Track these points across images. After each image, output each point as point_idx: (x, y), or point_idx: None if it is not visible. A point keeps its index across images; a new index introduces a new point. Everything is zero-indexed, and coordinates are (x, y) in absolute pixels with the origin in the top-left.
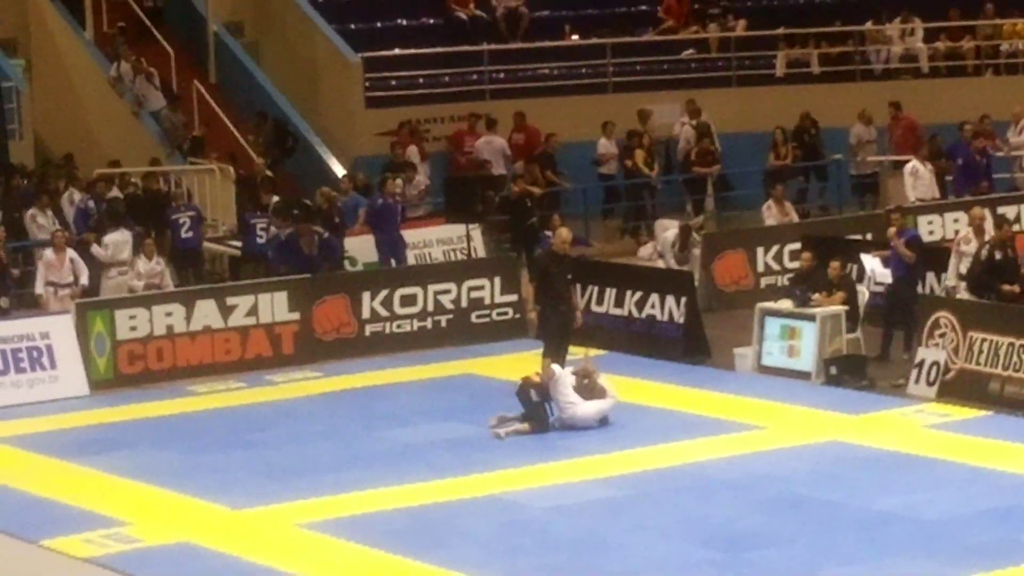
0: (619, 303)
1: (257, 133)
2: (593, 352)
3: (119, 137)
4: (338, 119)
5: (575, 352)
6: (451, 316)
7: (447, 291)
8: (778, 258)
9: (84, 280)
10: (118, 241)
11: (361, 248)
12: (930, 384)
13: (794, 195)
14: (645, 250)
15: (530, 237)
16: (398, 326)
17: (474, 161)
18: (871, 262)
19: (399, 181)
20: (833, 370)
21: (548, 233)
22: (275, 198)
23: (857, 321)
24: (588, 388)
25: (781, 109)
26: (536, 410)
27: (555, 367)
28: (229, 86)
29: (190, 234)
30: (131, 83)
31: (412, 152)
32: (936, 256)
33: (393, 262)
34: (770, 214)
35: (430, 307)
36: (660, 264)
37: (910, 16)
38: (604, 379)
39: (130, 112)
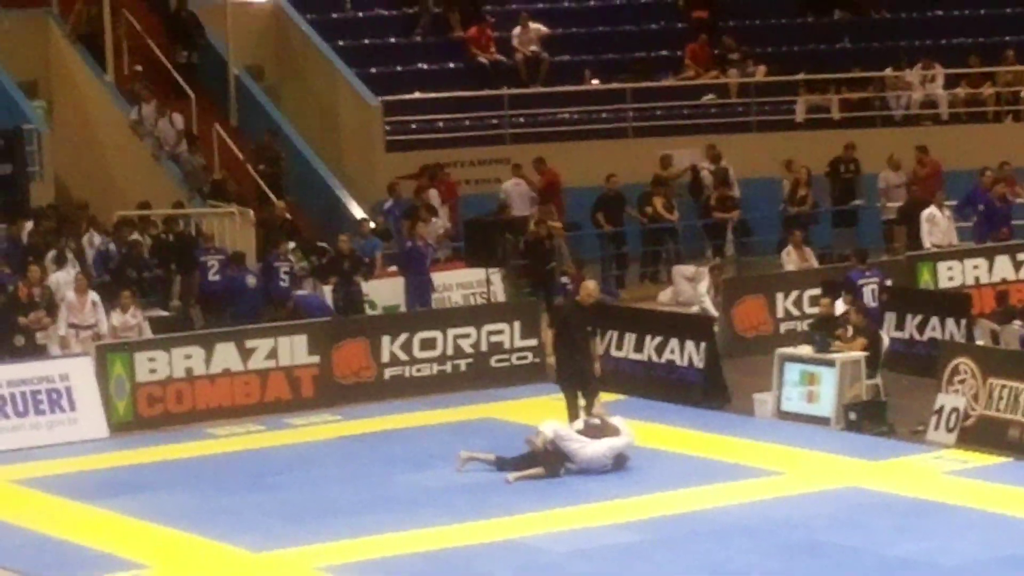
0: (639, 348)
1: (260, 148)
2: (612, 397)
3: (140, 180)
4: (358, 162)
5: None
6: (470, 360)
7: (467, 335)
8: (798, 303)
9: (104, 327)
10: (62, 280)
11: (380, 291)
12: (949, 430)
13: (828, 240)
14: (665, 295)
15: (550, 281)
16: (417, 370)
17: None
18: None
19: (436, 222)
20: (853, 416)
21: (565, 280)
22: (291, 244)
23: (877, 367)
24: (600, 428)
25: (801, 155)
26: (543, 457)
27: (545, 428)
28: (249, 130)
29: (217, 277)
30: (152, 126)
31: (433, 196)
32: (957, 302)
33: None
34: (789, 259)
35: (449, 351)
36: (694, 310)
37: (931, 62)
38: (618, 419)
39: (150, 155)
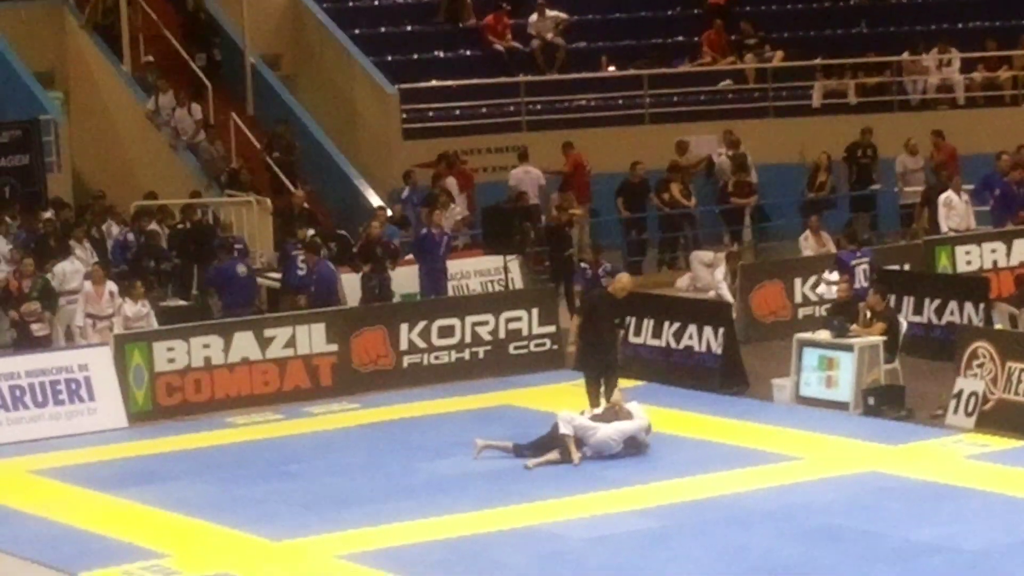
0: (657, 334)
1: (274, 134)
2: (631, 383)
3: (157, 170)
4: (375, 151)
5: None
6: (489, 347)
7: (485, 322)
8: (816, 288)
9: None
10: (67, 271)
11: (398, 279)
12: (968, 415)
13: (837, 226)
14: (682, 281)
15: (568, 268)
16: (436, 357)
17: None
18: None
19: (454, 208)
20: (871, 400)
21: (584, 264)
22: (310, 231)
23: (895, 351)
24: (615, 414)
25: (818, 140)
26: (559, 441)
27: (561, 424)
28: (266, 119)
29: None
30: (169, 115)
31: (451, 183)
32: (974, 286)
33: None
34: (807, 245)
35: (468, 339)
36: (711, 295)
37: (947, 46)
38: (634, 404)
39: (167, 145)
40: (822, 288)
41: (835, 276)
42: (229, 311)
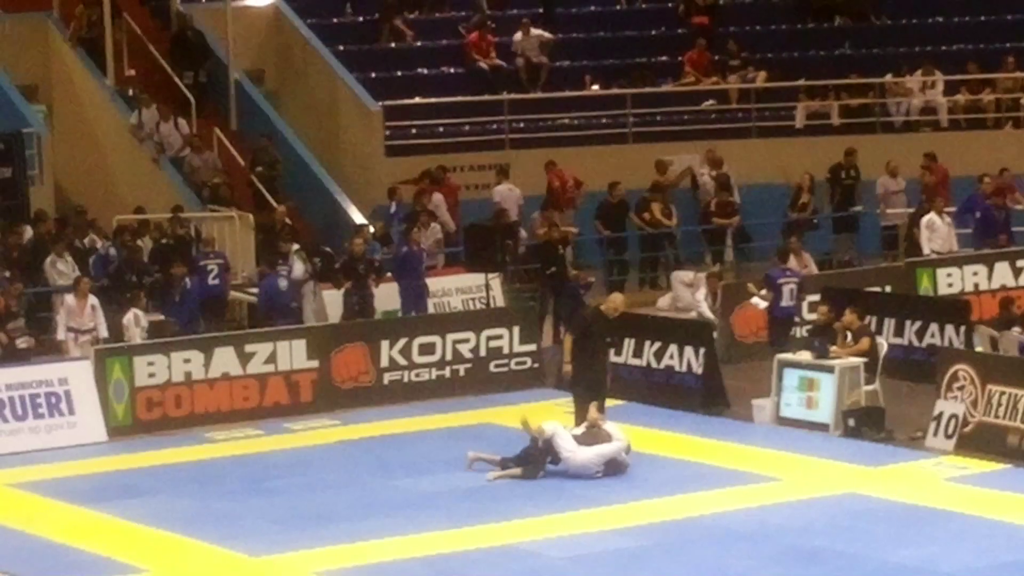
0: (638, 353)
1: (258, 150)
2: (612, 402)
3: (139, 184)
4: (358, 167)
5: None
6: (469, 365)
7: (466, 340)
8: (797, 309)
9: (103, 331)
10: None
11: (379, 296)
12: (948, 437)
13: (828, 246)
14: (664, 301)
15: (555, 284)
16: (416, 375)
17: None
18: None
19: (434, 227)
20: (851, 422)
21: (578, 285)
22: (295, 246)
23: (876, 373)
24: (594, 435)
25: (801, 161)
26: (533, 457)
27: (547, 425)
28: (250, 134)
29: (216, 281)
30: (153, 130)
31: (438, 200)
32: (956, 309)
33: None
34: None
35: (448, 356)
36: (692, 315)
37: (930, 69)
38: (612, 425)
39: (150, 159)
40: (756, 300)
41: (763, 292)
42: (270, 322)
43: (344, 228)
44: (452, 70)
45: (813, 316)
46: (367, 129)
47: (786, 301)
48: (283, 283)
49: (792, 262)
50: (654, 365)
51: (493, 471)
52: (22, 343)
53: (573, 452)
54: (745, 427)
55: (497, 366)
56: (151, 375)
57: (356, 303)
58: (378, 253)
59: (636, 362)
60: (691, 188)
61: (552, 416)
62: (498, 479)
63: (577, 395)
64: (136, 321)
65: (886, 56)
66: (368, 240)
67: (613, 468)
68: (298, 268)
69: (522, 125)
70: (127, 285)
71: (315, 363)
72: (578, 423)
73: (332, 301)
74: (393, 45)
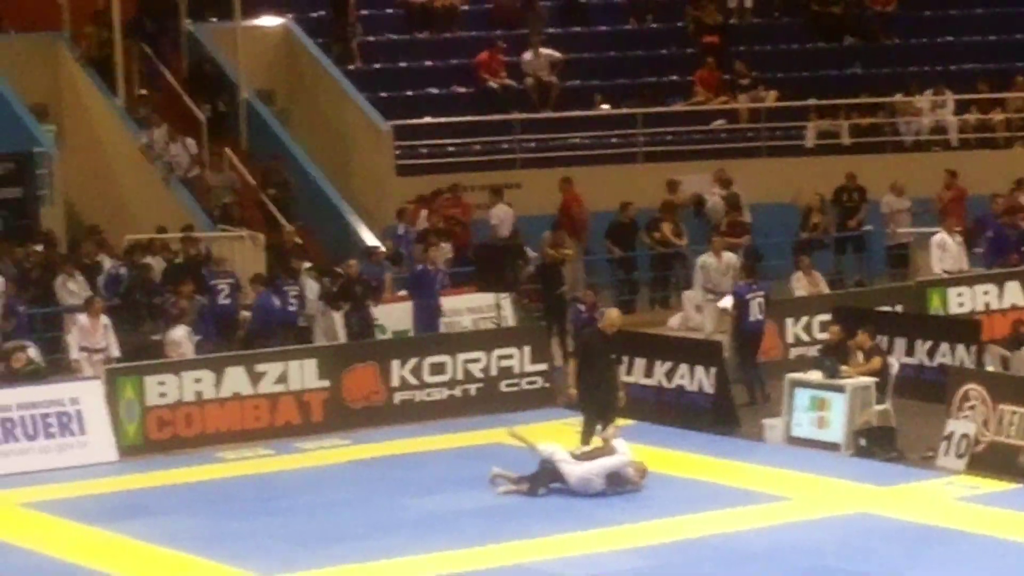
0: (649, 373)
1: (267, 172)
2: (623, 422)
3: (150, 204)
4: (368, 187)
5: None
6: (480, 385)
7: (476, 360)
8: (808, 329)
9: (114, 351)
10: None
11: (390, 316)
12: (959, 456)
13: (829, 267)
14: (675, 320)
15: (561, 306)
16: (427, 394)
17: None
18: (726, 301)
19: (444, 247)
20: (862, 442)
21: (581, 307)
22: (306, 264)
23: (886, 392)
24: (599, 450)
25: (811, 180)
26: (540, 474)
27: (542, 447)
28: (260, 154)
29: (227, 300)
30: (163, 149)
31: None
32: (967, 328)
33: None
34: (799, 284)
35: (459, 375)
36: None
37: (941, 88)
38: (619, 442)
39: (160, 179)
40: (725, 302)
41: (729, 301)
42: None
43: (355, 248)
44: (462, 89)
45: (825, 335)
46: (377, 149)
47: (754, 315)
48: (277, 301)
49: (803, 281)
50: (665, 385)
51: (495, 468)
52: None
53: (572, 466)
54: (756, 447)
55: (508, 385)
56: (162, 395)
57: (355, 324)
58: (388, 271)
59: (647, 382)
60: (695, 209)
61: (562, 436)
62: (506, 493)
63: (587, 417)
64: (189, 337)
65: (896, 75)
66: (380, 261)
67: (617, 483)
68: (311, 288)
69: (532, 144)
70: (138, 304)
71: (326, 383)
72: (584, 442)
73: (339, 322)
74: (403, 64)
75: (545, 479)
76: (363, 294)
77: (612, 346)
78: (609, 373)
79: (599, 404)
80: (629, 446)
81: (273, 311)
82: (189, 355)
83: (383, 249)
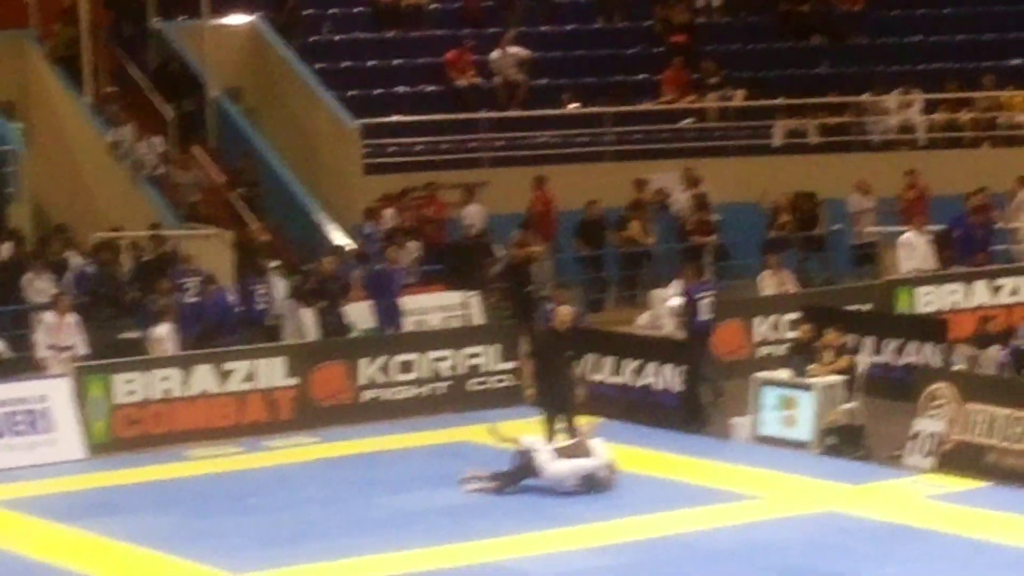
0: (616, 371)
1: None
2: (586, 419)
3: (117, 202)
4: (336, 185)
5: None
6: (449, 383)
7: (445, 358)
8: (775, 327)
9: (82, 348)
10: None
11: (359, 314)
12: (926, 455)
13: (794, 266)
14: (643, 318)
15: (529, 305)
16: (396, 392)
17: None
18: (675, 300)
19: (410, 247)
20: (830, 440)
21: (550, 306)
22: (274, 263)
23: (853, 391)
24: (575, 449)
25: (779, 179)
26: (513, 471)
27: (525, 438)
28: (228, 152)
29: (196, 298)
30: (131, 147)
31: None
32: (934, 327)
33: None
34: (767, 283)
35: (428, 374)
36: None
37: (908, 88)
38: (598, 442)
39: (128, 177)
40: (674, 302)
41: (677, 300)
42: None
43: (322, 246)
44: (430, 88)
45: (794, 334)
46: (345, 147)
47: (703, 315)
48: (231, 298)
49: (771, 280)
50: (632, 383)
51: (475, 484)
52: None
53: (548, 462)
54: (724, 445)
55: (477, 384)
56: (130, 392)
57: (329, 323)
58: (357, 271)
59: (615, 380)
60: (659, 207)
61: (531, 433)
62: (474, 491)
63: (546, 414)
64: (171, 334)
65: (864, 75)
66: (349, 259)
67: (590, 485)
68: (280, 286)
69: (501, 143)
70: (105, 302)
71: (294, 381)
72: (548, 440)
73: (309, 320)
74: (371, 63)
75: (517, 477)
76: (340, 292)
77: (566, 343)
78: (564, 370)
79: (556, 401)
80: (607, 446)
81: (228, 309)
82: (171, 353)
83: (350, 247)
